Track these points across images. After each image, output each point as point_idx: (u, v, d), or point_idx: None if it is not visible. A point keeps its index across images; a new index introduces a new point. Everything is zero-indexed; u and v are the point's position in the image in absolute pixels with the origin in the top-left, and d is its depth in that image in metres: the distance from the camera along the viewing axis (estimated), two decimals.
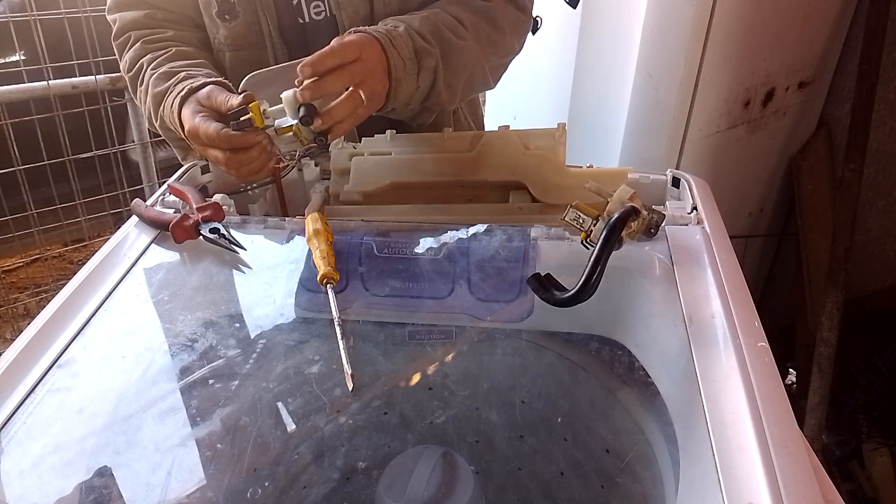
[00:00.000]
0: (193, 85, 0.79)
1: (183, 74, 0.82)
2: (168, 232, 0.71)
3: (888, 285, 1.74)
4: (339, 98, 0.71)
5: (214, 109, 0.76)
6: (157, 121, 0.86)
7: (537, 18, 1.50)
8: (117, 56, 0.94)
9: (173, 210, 0.78)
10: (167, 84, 0.83)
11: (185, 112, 0.77)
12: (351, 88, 0.71)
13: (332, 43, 0.72)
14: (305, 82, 0.69)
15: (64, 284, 0.67)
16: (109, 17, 0.94)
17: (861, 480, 1.62)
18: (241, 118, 0.72)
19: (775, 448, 0.44)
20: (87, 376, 0.58)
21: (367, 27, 0.78)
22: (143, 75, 0.87)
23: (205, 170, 0.86)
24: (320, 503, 0.62)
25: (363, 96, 0.72)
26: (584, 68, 1.52)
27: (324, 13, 0.89)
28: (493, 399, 0.68)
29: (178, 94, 0.79)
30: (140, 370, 0.62)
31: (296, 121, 0.70)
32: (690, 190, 0.77)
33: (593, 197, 0.65)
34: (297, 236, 0.74)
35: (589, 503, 0.67)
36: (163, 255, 0.72)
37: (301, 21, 0.89)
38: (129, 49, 0.91)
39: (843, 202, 1.56)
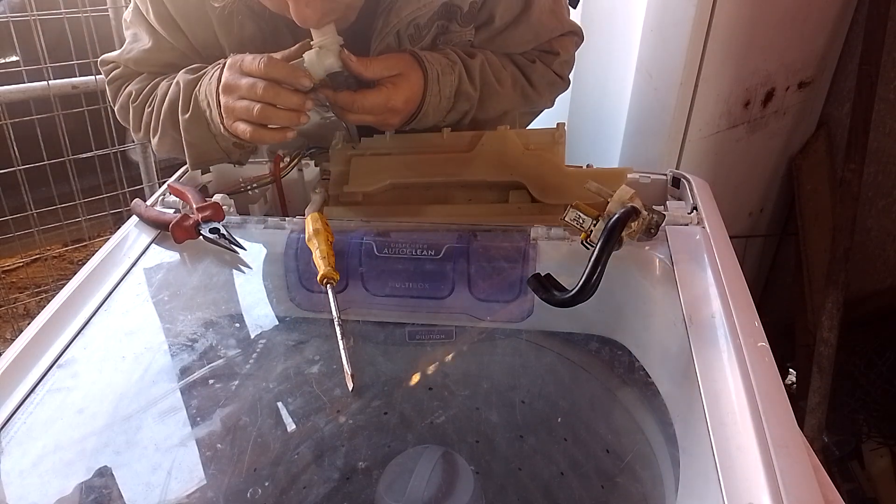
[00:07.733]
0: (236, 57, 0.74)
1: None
2: (168, 232, 0.71)
3: (888, 285, 1.73)
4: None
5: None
6: (185, 113, 0.77)
7: None
8: (111, 97, 0.90)
9: (173, 210, 0.78)
10: (202, 72, 0.77)
11: (228, 65, 0.72)
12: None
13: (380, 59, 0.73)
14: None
15: (64, 284, 0.67)
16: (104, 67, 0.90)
17: (861, 480, 1.62)
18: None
19: (775, 448, 0.44)
20: (87, 376, 0.58)
21: (424, 53, 0.78)
22: (157, 90, 0.82)
23: (205, 170, 0.86)
24: (320, 503, 0.62)
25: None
26: (584, 68, 1.52)
27: None
28: (493, 399, 0.68)
29: (221, 64, 0.73)
30: (140, 370, 0.62)
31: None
32: (690, 190, 0.77)
33: (593, 197, 0.65)
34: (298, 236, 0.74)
35: (589, 503, 0.67)
36: (163, 255, 0.72)
37: None
38: (134, 82, 0.86)
39: (843, 202, 1.56)
